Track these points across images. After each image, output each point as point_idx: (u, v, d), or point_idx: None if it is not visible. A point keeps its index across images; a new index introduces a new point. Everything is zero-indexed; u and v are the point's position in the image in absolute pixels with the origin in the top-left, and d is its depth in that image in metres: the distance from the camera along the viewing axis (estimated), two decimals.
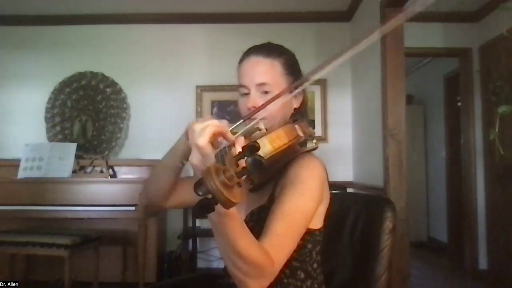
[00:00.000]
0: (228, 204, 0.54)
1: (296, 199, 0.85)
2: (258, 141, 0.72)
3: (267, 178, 0.98)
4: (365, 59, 3.06)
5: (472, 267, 3.43)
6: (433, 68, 4.64)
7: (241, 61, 0.99)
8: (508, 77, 2.95)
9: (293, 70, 0.99)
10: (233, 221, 0.69)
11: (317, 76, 0.73)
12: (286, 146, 0.77)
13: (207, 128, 0.65)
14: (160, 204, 1.04)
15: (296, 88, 0.85)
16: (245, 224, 0.73)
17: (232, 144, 0.67)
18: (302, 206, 0.85)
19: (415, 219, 4.61)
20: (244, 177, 0.58)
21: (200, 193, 0.54)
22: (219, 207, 0.56)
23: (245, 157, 0.59)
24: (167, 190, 1.00)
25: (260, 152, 0.62)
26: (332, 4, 3.37)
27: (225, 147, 0.64)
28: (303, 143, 0.98)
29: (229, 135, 0.69)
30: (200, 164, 0.66)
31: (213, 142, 0.68)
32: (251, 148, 0.60)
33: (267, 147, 0.76)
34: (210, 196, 0.54)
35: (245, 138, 0.71)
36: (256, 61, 0.96)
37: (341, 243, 1.17)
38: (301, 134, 0.85)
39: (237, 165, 0.59)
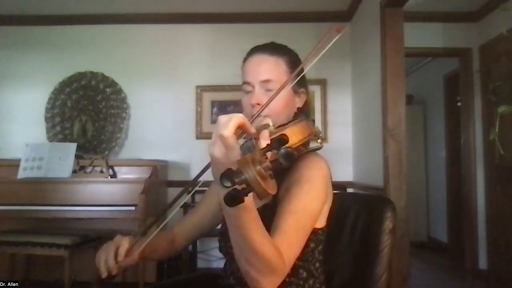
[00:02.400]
0: (264, 194, 0.54)
1: (303, 198, 0.85)
2: (273, 134, 0.71)
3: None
4: (365, 59, 3.06)
5: (472, 267, 3.43)
6: (433, 68, 4.64)
7: (245, 59, 1.01)
8: (508, 77, 2.95)
9: (296, 69, 0.99)
10: (251, 214, 0.69)
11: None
12: (300, 143, 0.77)
13: (232, 119, 0.64)
14: (174, 254, 1.12)
15: (296, 78, 0.86)
16: (260, 220, 0.73)
17: (256, 137, 0.66)
18: (309, 205, 0.86)
19: (415, 219, 4.61)
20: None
21: (229, 184, 0.52)
22: (248, 199, 0.54)
23: (273, 150, 0.58)
24: (167, 252, 1.09)
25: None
26: (332, 4, 3.37)
27: (251, 139, 0.63)
28: (306, 143, 0.98)
29: (254, 128, 0.69)
30: (223, 157, 0.65)
31: (237, 134, 0.67)
32: (280, 141, 0.59)
33: None
34: (240, 187, 0.53)
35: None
36: (261, 59, 0.97)
37: (341, 243, 1.17)
38: (311, 132, 0.85)
39: (266, 157, 0.58)
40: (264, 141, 0.65)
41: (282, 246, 0.77)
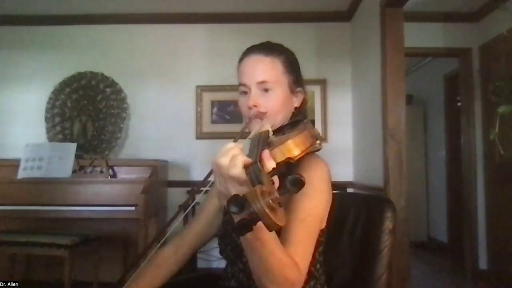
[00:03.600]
0: (273, 227, 0.53)
1: (309, 203, 0.85)
2: (277, 149, 0.70)
3: None
4: (365, 59, 3.06)
5: (472, 267, 3.43)
6: (433, 68, 4.64)
7: (241, 60, 0.99)
8: (508, 77, 2.95)
9: (293, 68, 0.98)
10: (270, 235, 0.69)
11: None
12: (303, 153, 0.77)
13: (237, 158, 0.64)
14: (171, 275, 1.10)
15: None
16: (277, 238, 0.73)
17: (260, 160, 0.65)
18: (316, 209, 0.86)
19: (415, 219, 4.61)
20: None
21: (236, 210, 0.53)
22: (257, 227, 0.55)
23: (279, 173, 0.58)
24: (162, 280, 1.08)
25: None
26: (332, 4, 3.37)
27: (256, 163, 0.63)
28: None
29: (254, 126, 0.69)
30: (237, 191, 0.64)
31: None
32: (287, 165, 0.58)
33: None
34: (249, 217, 0.53)
35: (263, 147, 0.69)
36: (257, 60, 0.95)
37: (341, 243, 1.17)
38: (313, 138, 0.84)
39: (272, 182, 0.58)
40: (268, 162, 0.65)
41: (297, 257, 0.77)
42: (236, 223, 0.54)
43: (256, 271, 0.75)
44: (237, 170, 0.63)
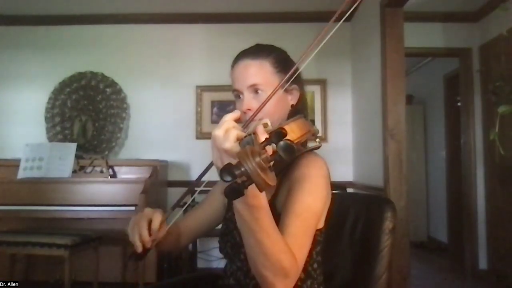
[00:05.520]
0: (263, 186, 0.54)
1: (306, 198, 0.85)
2: (271, 128, 0.71)
3: None
4: (365, 59, 3.06)
5: (472, 267, 3.43)
6: (433, 68, 4.64)
7: (232, 66, 1.00)
8: (508, 77, 2.95)
9: (284, 67, 0.98)
10: (266, 213, 0.70)
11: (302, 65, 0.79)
12: (299, 140, 0.77)
13: (230, 131, 0.66)
14: (176, 251, 1.08)
15: (287, 81, 0.86)
16: (274, 222, 0.73)
17: (254, 134, 0.67)
18: (313, 205, 0.86)
19: (415, 219, 4.61)
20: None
21: (229, 178, 0.53)
22: (250, 191, 0.54)
23: (272, 143, 0.59)
24: (172, 246, 1.08)
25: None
26: (332, 4, 3.36)
27: (250, 135, 0.63)
28: (304, 143, 0.97)
29: (251, 126, 0.70)
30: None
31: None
32: (279, 134, 0.60)
33: None
34: (240, 180, 0.53)
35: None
36: (245, 64, 0.96)
37: (341, 243, 1.17)
38: (309, 129, 0.84)
39: (265, 150, 0.58)
40: (261, 135, 0.66)
41: (293, 249, 0.77)
42: (227, 187, 0.53)
43: (252, 255, 0.75)
44: (229, 143, 0.65)
